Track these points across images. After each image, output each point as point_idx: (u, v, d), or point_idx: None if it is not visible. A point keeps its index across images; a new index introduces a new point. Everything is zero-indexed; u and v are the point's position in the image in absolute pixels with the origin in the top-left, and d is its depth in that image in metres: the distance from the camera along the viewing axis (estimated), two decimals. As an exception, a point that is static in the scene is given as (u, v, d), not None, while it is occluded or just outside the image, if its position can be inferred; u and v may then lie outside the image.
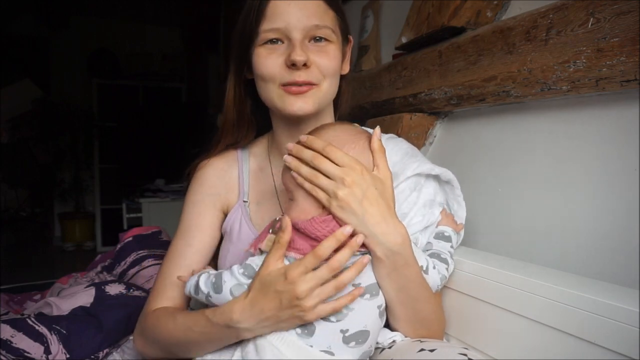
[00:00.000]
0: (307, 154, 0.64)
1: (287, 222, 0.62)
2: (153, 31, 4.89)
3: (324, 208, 0.65)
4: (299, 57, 0.71)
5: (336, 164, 0.63)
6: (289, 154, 0.67)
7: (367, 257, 0.64)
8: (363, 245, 0.64)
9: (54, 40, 4.55)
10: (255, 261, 0.66)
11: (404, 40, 1.20)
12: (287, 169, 0.68)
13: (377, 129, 0.68)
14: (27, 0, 4.07)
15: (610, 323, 0.54)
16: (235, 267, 0.67)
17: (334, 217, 0.63)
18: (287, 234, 0.62)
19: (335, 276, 0.61)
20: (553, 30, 0.76)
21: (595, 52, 0.69)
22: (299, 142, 0.67)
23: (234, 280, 0.66)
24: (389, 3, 1.49)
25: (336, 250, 0.61)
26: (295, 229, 0.64)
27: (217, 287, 0.67)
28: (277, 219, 0.68)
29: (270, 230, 0.67)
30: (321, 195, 0.63)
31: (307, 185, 0.65)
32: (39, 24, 4.41)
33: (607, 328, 0.54)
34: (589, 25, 0.70)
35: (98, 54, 4.44)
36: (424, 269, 0.70)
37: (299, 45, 0.72)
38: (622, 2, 0.65)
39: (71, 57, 4.54)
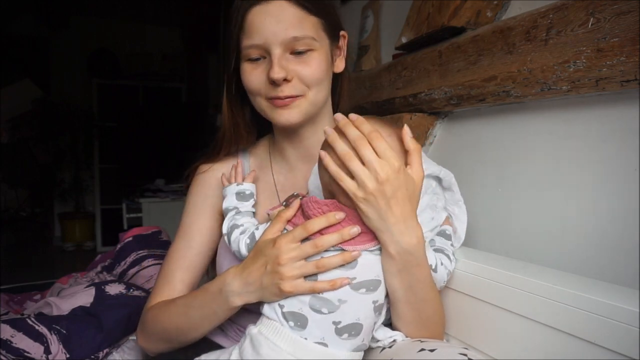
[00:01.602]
0: (353, 132, 0.62)
1: (296, 203, 0.68)
2: (153, 31, 4.90)
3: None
4: (276, 75, 0.72)
5: (376, 153, 0.61)
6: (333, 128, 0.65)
7: (358, 252, 0.64)
8: (377, 240, 0.65)
9: (54, 40, 4.56)
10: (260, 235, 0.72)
11: (404, 40, 1.20)
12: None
13: (406, 127, 0.66)
14: (27, 0, 4.07)
15: (610, 323, 0.54)
16: (243, 237, 0.74)
17: (357, 208, 0.63)
18: (290, 212, 0.68)
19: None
20: (553, 30, 0.76)
21: (595, 52, 0.69)
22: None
23: (235, 245, 0.75)
24: (389, 3, 1.49)
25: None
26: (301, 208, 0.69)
27: (229, 237, 0.77)
28: (295, 194, 0.72)
29: (284, 204, 0.71)
30: (349, 185, 0.61)
31: (332, 168, 0.63)
32: (39, 24, 4.41)
33: (607, 328, 0.54)
34: (589, 25, 0.70)
35: (98, 54, 4.45)
36: (433, 267, 0.71)
37: (276, 62, 0.73)
38: (622, 2, 0.65)
39: (71, 57, 4.54)
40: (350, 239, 0.64)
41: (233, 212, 0.79)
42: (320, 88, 0.78)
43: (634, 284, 0.69)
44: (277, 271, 0.64)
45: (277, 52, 0.73)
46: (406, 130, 0.65)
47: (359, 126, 0.63)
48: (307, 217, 0.66)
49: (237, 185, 0.82)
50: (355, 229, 0.64)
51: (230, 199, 0.81)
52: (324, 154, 0.64)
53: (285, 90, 0.74)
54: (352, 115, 0.64)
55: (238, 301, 0.69)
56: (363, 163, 0.61)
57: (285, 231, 0.68)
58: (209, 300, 0.73)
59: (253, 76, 0.76)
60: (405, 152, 0.65)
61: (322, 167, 0.66)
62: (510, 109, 0.97)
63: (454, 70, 1.01)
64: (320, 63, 0.77)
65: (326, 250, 0.64)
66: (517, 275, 0.68)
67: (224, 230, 0.78)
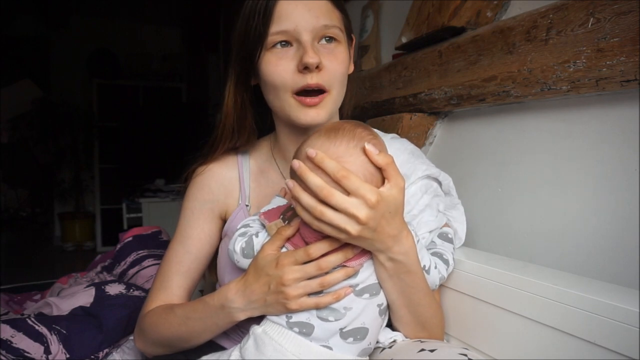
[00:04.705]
0: (314, 181, 0.57)
1: (296, 223, 0.66)
2: (153, 31, 4.90)
3: None
4: (311, 59, 0.69)
5: (347, 192, 0.57)
6: (293, 177, 0.62)
7: (359, 267, 0.64)
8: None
9: (54, 40, 4.56)
10: (259, 243, 0.70)
11: (404, 40, 1.20)
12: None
13: (368, 146, 0.60)
14: (27, 0, 4.07)
15: (610, 323, 0.54)
16: (241, 239, 0.71)
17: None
18: (290, 231, 0.66)
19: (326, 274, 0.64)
20: (553, 30, 0.76)
21: (595, 52, 0.69)
22: (301, 153, 0.62)
23: (232, 243, 0.72)
24: (389, 3, 1.49)
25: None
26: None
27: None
28: (292, 206, 0.69)
29: (281, 216, 0.69)
30: (328, 230, 0.59)
31: (306, 217, 0.60)
32: (39, 24, 4.41)
33: (607, 328, 0.54)
34: (589, 25, 0.70)
35: (98, 54, 4.45)
36: (426, 268, 0.70)
37: (310, 47, 0.70)
38: (622, 2, 0.65)
39: (71, 57, 4.54)
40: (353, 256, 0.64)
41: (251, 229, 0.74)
42: (343, 85, 0.77)
43: (634, 284, 0.69)
44: (282, 291, 0.63)
45: (308, 39, 0.71)
46: (370, 151, 0.60)
47: (321, 165, 0.58)
48: (304, 239, 0.65)
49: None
50: (357, 248, 0.64)
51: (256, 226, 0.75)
52: (299, 209, 0.61)
53: (315, 78, 0.71)
54: (311, 152, 0.59)
55: (242, 316, 0.69)
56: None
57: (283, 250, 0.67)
58: (210, 314, 0.73)
59: (280, 67, 0.72)
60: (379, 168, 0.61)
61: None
62: (510, 109, 0.97)
63: (454, 70, 1.01)
64: (345, 57, 0.76)
65: None
66: (517, 275, 0.68)
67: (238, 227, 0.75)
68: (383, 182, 0.61)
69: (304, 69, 0.70)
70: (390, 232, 0.61)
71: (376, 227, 0.59)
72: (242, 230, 0.73)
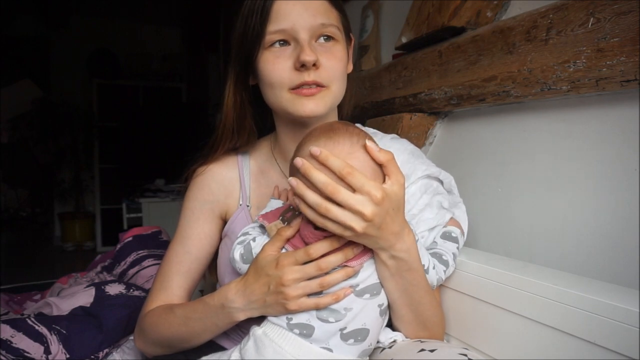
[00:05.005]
0: (319, 178, 0.57)
1: (296, 223, 0.66)
2: (153, 31, 4.90)
3: None
4: (308, 57, 0.69)
5: (352, 189, 0.57)
6: (294, 176, 0.61)
7: (360, 265, 0.64)
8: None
9: (54, 40, 4.56)
10: (257, 245, 0.70)
11: (404, 40, 1.20)
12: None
13: (369, 144, 0.61)
14: (27, 0, 4.07)
15: (610, 323, 0.54)
16: (239, 247, 0.72)
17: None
18: (290, 232, 0.66)
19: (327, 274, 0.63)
20: (553, 30, 0.76)
21: (595, 52, 0.69)
22: (302, 153, 0.62)
23: (231, 254, 0.73)
24: (389, 3, 1.49)
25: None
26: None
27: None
28: (292, 207, 0.70)
29: (281, 217, 0.69)
30: (332, 228, 0.59)
31: (310, 214, 0.60)
32: (39, 24, 4.41)
33: (607, 328, 0.54)
34: (589, 25, 0.70)
35: (98, 54, 4.45)
36: (425, 268, 0.70)
37: (307, 45, 0.71)
38: (622, 2, 0.65)
39: (71, 57, 4.54)
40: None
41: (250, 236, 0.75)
42: (342, 82, 0.77)
43: (634, 284, 0.69)
44: (281, 291, 0.63)
45: (306, 37, 0.71)
46: (371, 147, 0.61)
47: (325, 163, 0.58)
48: (304, 240, 0.65)
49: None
50: (357, 248, 0.64)
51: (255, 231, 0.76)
52: (303, 206, 0.61)
53: (312, 75, 0.71)
54: (315, 149, 0.59)
55: (242, 316, 0.69)
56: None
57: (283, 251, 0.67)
58: (210, 314, 0.73)
59: (277, 66, 0.72)
60: (379, 165, 0.61)
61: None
62: (510, 109, 0.97)
63: (454, 70, 1.01)
64: (343, 56, 0.76)
65: None
66: (517, 275, 0.68)
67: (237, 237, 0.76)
68: (383, 179, 0.61)
69: (301, 66, 0.70)
70: (393, 229, 0.61)
71: (381, 224, 0.59)
72: (241, 238, 0.74)
